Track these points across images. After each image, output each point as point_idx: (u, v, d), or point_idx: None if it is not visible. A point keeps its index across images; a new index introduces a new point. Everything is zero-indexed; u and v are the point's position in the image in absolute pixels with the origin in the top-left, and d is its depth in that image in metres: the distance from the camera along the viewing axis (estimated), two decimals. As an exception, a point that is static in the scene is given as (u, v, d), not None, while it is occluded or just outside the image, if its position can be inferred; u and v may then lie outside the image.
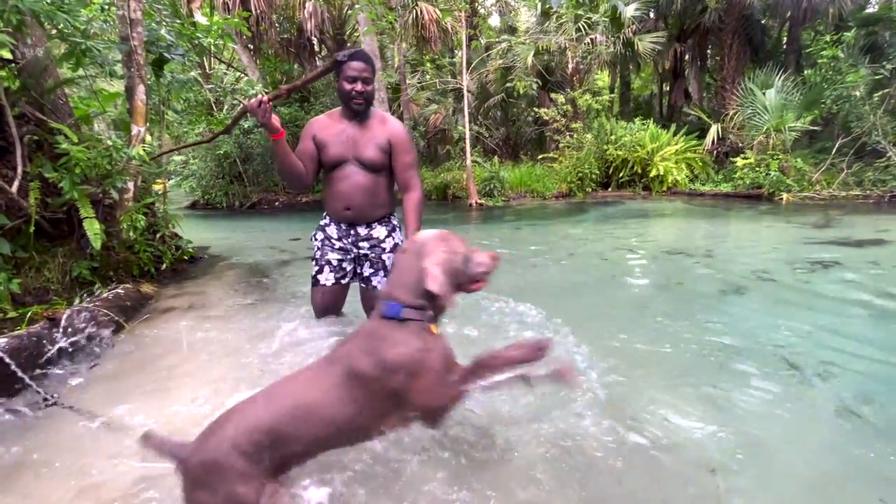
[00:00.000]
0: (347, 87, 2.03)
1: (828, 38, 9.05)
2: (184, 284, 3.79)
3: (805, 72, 9.57)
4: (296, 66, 12.22)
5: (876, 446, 1.54)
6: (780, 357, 2.25)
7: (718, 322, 2.74)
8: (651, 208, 8.76)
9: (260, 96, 1.86)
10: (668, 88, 15.14)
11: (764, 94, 9.37)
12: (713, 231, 6.45)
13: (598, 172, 10.88)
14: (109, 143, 3.03)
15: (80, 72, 3.69)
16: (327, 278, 2.31)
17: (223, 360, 2.26)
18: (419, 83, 13.63)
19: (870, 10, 12.79)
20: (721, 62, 11.95)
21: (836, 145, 8.90)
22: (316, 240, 2.32)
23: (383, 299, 1.27)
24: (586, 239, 5.79)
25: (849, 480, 1.39)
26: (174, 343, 2.52)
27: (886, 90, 8.50)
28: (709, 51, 14.04)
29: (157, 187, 4.88)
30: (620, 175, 10.96)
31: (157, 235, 4.02)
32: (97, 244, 2.97)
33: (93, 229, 2.96)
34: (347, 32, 12.62)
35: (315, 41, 12.35)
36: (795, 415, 1.74)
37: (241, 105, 2.25)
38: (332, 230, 2.27)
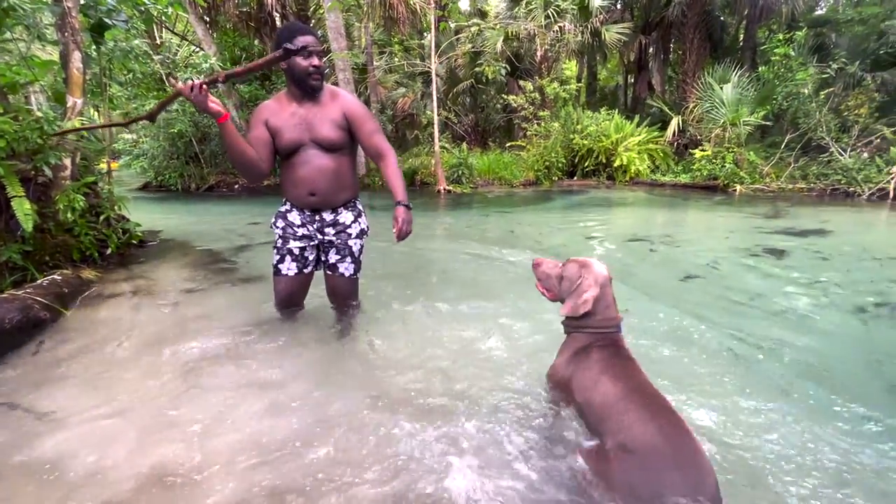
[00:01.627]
0: (304, 63, 1.90)
1: (780, 36, 9.46)
2: (131, 270, 3.56)
3: (759, 68, 9.99)
4: (256, 41, 11.62)
5: (806, 425, 1.63)
6: (727, 338, 2.35)
7: (672, 306, 2.84)
8: (614, 197, 8.97)
9: (192, 80, 1.71)
10: (632, 80, 15.47)
11: (721, 88, 9.72)
12: (672, 220, 6.68)
13: (564, 161, 11.03)
14: (40, 114, 2.75)
15: (7, 35, 3.34)
16: (289, 268, 2.21)
17: (165, 349, 2.13)
18: (387, 65, 13.29)
19: (819, 12, 13.49)
20: (683, 56, 12.29)
21: (785, 140, 9.37)
22: (276, 228, 2.19)
23: (619, 321, 1.42)
24: (552, 227, 5.86)
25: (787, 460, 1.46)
26: (114, 331, 2.36)
27: (831, 89, 8.99)
28: (672, 45, 14.40)
29: (101, 166, 4.53)
30: (586, 164, 11.16)
31: (101, 218, 3.74)
32: (28, 226, 2.72)
33: (23, 209, 2.70)
34: (311, 8, 12.10)
35: (277, 16, 11.76)
36: (734, 391, 1.81)
37: (173, 88, 2.07)
38: (295, 216, 2.16)
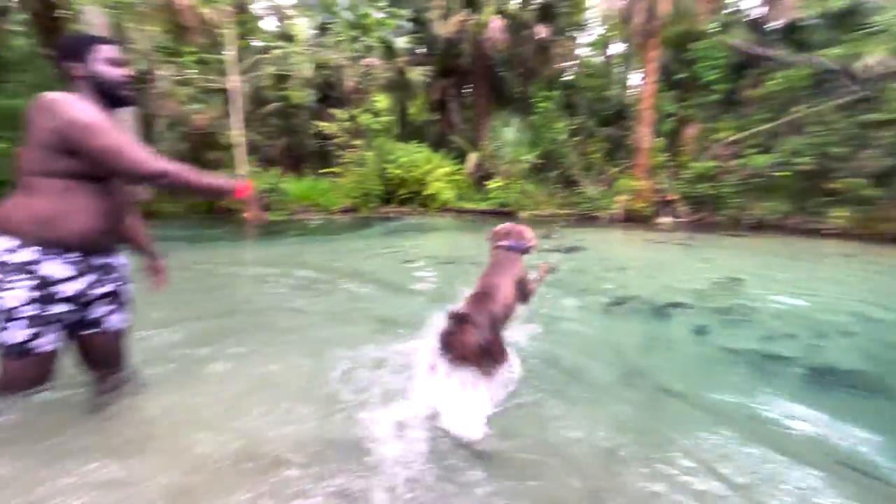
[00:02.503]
0: (118, 71, 1.56)
1: (541, 93, 11.89)
2: None
3: (532, 117, 12.31)
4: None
5: (579, 394, 2.01)
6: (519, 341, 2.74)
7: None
8: (427, 223, 9.67)
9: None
10: (438, 117, 17.18)
11: (505, 130, 11.64)
12: (476, 243, 7.55)
13: (381, 189, 11.42)
14: None
15: None
16: (50, 342, 1.54)
17: None
18: (179, 76, 11.62)
19: (567, 77, 17.51)
20: (476, 101, 14.27)
21: (552, 175, 11.73)
22: (17, 287, 1.46)
23: (513, 239, 2.43)
24: (371, 253, 5.94)
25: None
26: None
27: (578, 137, 11.70)
28: (466, 89, 16.59)
29: None
30: (400, 192, 11.78)
31: None
32: None
33: None
34: (62, -4, 9.76)
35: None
36: (522, 389, 2.12)
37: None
38: (57, 268, 1.50)
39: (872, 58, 7.82)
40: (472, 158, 12.64)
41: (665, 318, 3.53)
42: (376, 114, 11.88)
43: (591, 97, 13.84)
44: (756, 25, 10.64)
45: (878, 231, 7.56)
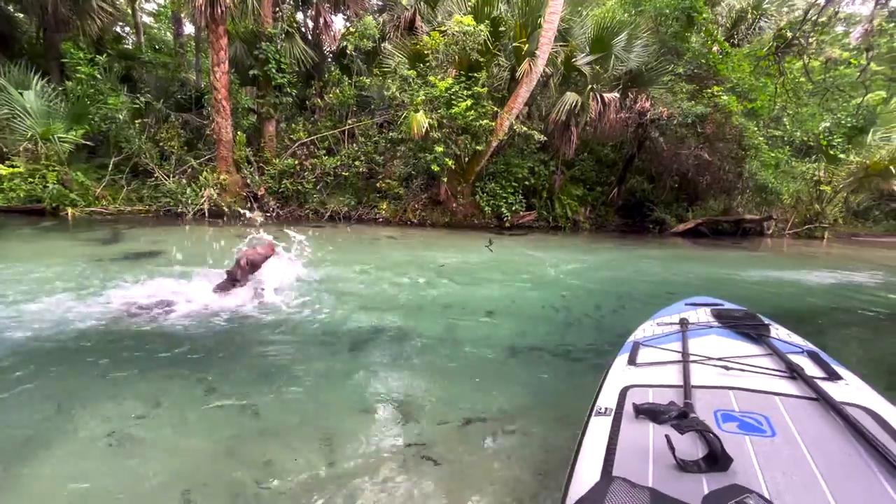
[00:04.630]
0: None
1: (83, 55, 9.14)
2: None
3: (67, 83, 9.24)
4: None
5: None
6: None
7: None
8: None
9: None
10: None
11: (22, 94, 8.19)
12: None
13: None
14: None
15: None
16: None
17: None
18: None
19: (126, 46, 14.25)
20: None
21: (112, 162, 9.33)
22: None
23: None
24: None
25: None
26: None
27: (145, 119, 9.79)
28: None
29: None
30: None
31: None
32: None
33: None
34: None
35: None
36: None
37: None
38: None
39: (392, 90, 10.54)
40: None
41: (240, 323, 3.41)
42: None
43: (164, 76, 11.91)
44: (316, 43, 12.20)
45: (406, 218, 10.46)
